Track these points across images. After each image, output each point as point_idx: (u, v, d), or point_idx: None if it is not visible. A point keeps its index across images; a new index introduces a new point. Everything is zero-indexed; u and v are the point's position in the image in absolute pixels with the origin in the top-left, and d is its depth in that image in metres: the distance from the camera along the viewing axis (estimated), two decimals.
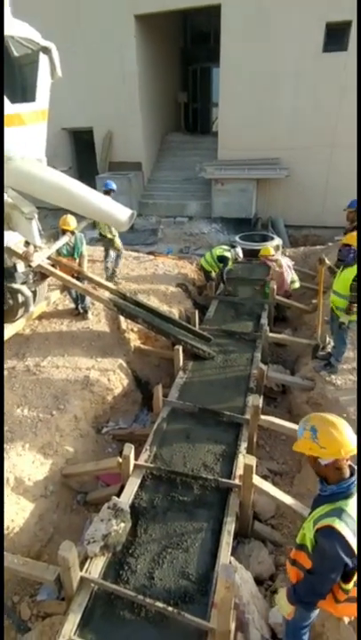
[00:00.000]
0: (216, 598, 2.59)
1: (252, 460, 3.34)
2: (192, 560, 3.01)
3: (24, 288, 5.25)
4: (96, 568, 2.90)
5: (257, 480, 3.44)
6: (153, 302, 6.55)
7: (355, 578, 1.98)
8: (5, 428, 4.10)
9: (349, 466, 2.03)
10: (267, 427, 4.35)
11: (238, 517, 3.41)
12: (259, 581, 3.18)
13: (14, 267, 5.18)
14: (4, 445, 3.89)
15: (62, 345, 5.49)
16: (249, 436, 4.18)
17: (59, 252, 5.69)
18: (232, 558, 3.05)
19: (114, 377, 5.19)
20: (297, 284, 7.42)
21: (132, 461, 3.68)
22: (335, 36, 10.53)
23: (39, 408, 4.43)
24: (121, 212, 4.37)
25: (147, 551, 3.07)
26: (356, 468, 2.06)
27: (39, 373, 4.92)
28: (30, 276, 5.49)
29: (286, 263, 7.52)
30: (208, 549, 3.08)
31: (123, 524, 3.11)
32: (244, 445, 4.03)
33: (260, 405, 4.19)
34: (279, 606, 2.30)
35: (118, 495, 3.49)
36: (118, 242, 7.17)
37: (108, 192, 7.03)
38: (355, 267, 4.45)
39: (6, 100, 4.05)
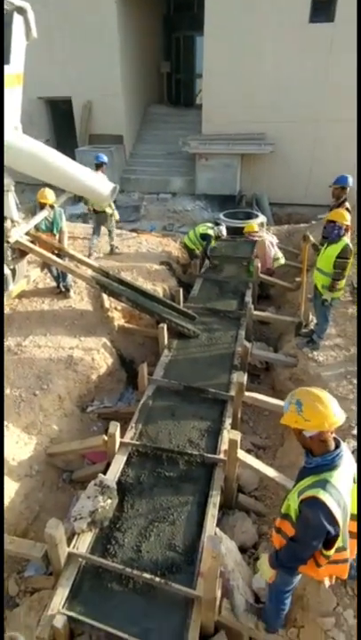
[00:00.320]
0: (202, 568, 2.66)
1: (237, 436, 3.39)
2: (178, 532, 3.08)
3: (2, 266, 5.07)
4: (83, 544, 2.93)
5: (241, 454, 3.50)
6: (137, 280, 6.45)
7: (336, 545, 2.05)
8: None
9: (334, 438, 2.07)
10: (251, 403, 4.41)
11: (223, 490, 3.48)
12: (243, 550, 3.29)
13: None
14: None
15: (44, 324, 5.37)
16: (233, 412, 4.23)
17: (37, 228, 5.48)
18: (217, 529, 3.12)
19: (98, 356, 5.13)
20: (282, 261, 7.41)
21: (118, 439, 3.68)
22: (321, 7, 10.20)
23: (22, 388, 4.36)
24: (103, 186, 4.22)
25: (134, 525, 3.12)
26: (341, 440, 2.10)
27: (21, 353, 4.82)
28: (9, 252, 5.28)
29: (270, 240, 7.48)
30: (194, 521, 3.15)
31: (109, 501, 3.13)
32: (228, 421, 4.08)
33: (245, 382, 4.23)
34: (261, 571, 2.39)
35: (104, 473, 3.50)
36: (117, 215, 7.26)
37: (99, 165, 6.83)
38: (339, 244, 4.46)
39: None
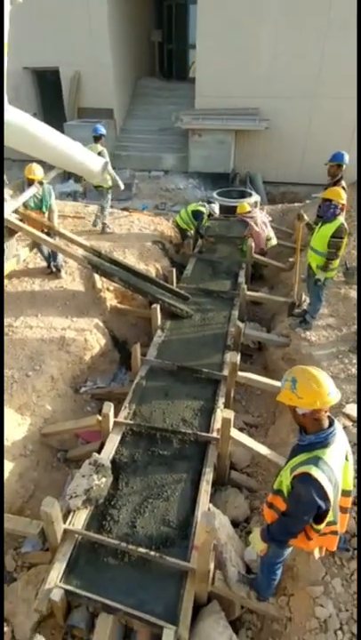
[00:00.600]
0: (197, 542, 2.73)
1: (230, 414, 3.42)
2: (172, 508, 3.14)
3: None
4: (79, 520, 2.98)
5: (234, 433, 3.56)
6: (129, 260, 6.36)
7: (327, 519, 2.11)
8: None
9: (328, 417, 2.10)
10: (243, 382, 4.44)
11: (216, 467, 3.55)
12: (235, 524, 3.38)
13: None
14: None
15: (35, 305, 5.29)
16: (226, 392, 4.27)
17: (25, 206, 5.31)
18: (210, 505, 3.20)
19: (90, 337, 5.10)
20: (274, 241, 7.35)
21: (112, 419, 3.70)
22: None
23: (14, 369, 4.33)
24: (94, 162, 4.08)
25: (128, 502, 3.17)
26: (334, 419, 2.13)
27: (12, 334, 4.76)
28: None
29: (262, 219, 7.39)
30: (188, 497, 3.21)
31: (104, 479, 3.17)
32: (221, 401, 4.12)
33: (238, 362, 4.25)
34: (253, 544, 2.45)
35: (99, 452, 3.53)
36: (121, 184, 7.20)
37: (98, 138, 6.69)
38: (334, 223, 4.41)
39: None
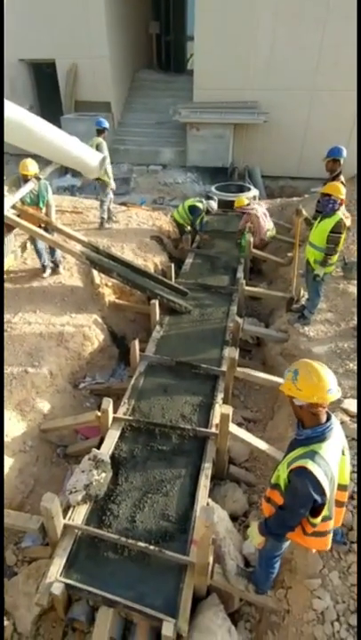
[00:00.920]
0: (196, 536, 2.75)
1: (229, 410, 3.44)
2: (172, 503, 3.16)
3: None
4: (79, 515, 3.00)
5: (233, 428, 3.57)
6: (127, 255, 6.34)
7: (323, 513, 2.13)
8: None
9: (326, 412, 2.11)
10: (242, 378, 4.46)
11: (215, 462, 3.57)
12: (234, 518, 3.41)
13: None
14: None
15: (33, 301, 5.28)
16: (225, 387, 4.29)
17: (22, 201, 5.27)
18: (209, 499, 3.22)
19: (89, 332, 5.10)
20: (273, 232, 7.34)
21: (111, 415, 3.72)
22: None
23: (13, 365, 4.33)
24: (92, 157, 4.04)
25: (128, 497, 3.19)
26: (331, 414, 2.14)
27: (10, 330, 4.76)
28: None
29: (262, 211, 7.37)
30: (187, 492, 3.24)
31: (104, 474, 3.19)
32: (220, 396, 4.14)
33: (236, 358, 4.26)
34: (251, 538, 2.48)
35: (98, 447, 3.55)
36: (113, 184, 7.09)
37: (101, 131, 6.67)
38: (332, 218, 4.40)
39: None
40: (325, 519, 2.15)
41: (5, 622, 2.80)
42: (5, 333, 4.70)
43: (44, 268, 5.71)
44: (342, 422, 3.44)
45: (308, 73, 10.55)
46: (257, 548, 2.56)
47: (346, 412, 3.60)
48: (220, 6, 10.48)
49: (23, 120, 3.68)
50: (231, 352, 4.29)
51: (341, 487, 2.20)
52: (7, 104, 3.41)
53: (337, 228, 4.38)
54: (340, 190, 4.43)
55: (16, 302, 5.22)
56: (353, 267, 5.77)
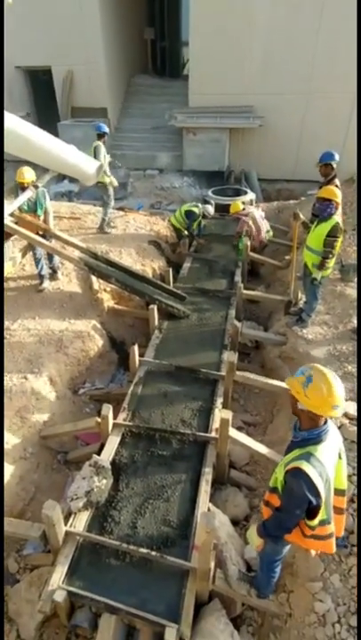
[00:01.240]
0: (197, 542, 2.76)
1: (228, 414, 3.45)
2: (173, 508, 3.17)
3: None
4: (80, 522, 3.01)
5: (233, 432, 3.59)
6: (125, 261, 6.37)
7: (320, 516, 2.14)
8: None
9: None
10: (241, 381, 4.48)
11: (215, 467, 3.58)
12: (235, 522, 3.42)
13: None
14: None
15: (32, 307, 5.30)
16: (224, 391, 4.30)
17: (20, 209, 5.31)
18: (210, 504, 3.23)
19: (88, 338, 5.12)
20: (270, 233, 7.41)
21: (111, 421, 3.73)
22: None
23: (12, 372, 4.34)
24: (89, 165, 4.08)
25: (129, 503, 3.20)
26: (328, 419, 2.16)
27: (10, 337, 4.77)
28: None
29: (259, 214, 7.42)
30: (188, 498, 3.25)
31: (104, 481, 3.20)
32: (219, 400, 4.15)
33: (235, 362, 4.28)
34: (250, 540, 2.49)
35: (98, 453, 3.56)
36: (115, 181, 7.16)
37: (101, 135, 6.76)
38: (329, 222, 4.43)
39: None
40: (323, 523, 2.16)
41: (8, 628, 2.80)
42: (5, 341, 4.71)
43: (41, 278, 5.64)
44: (342, 425, 3.47)
45: (303, 77, 10.65)
46: (257, 550, 2.57)
47: (345, 414, 3.62)
48: (214, 12, 10.58)
49: (18, 129, 3.71)
50: (230, 356, 4.31)
51: (339, 492, 2.21)
52: (6, 115, 3.45)
53: (334, 232, 4.41)
54: (336, 194, 4.47)
55: (15, 309, 5.24)
56: (350, 269, 5.80)
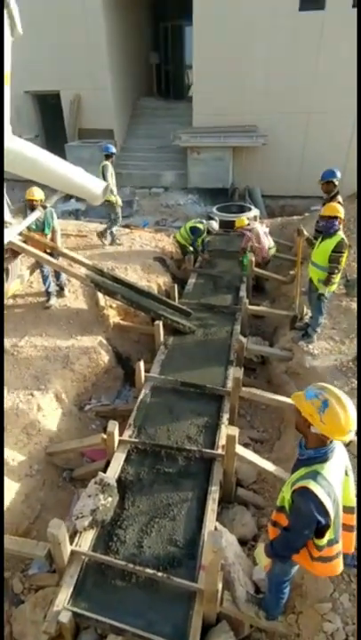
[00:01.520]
0: (204, 562, 2.72)
1: (235, 431, 3.43)
2: (179, 527, 3.13)
3: None
4: (86, 541, 2.98)
5: (239, 449, 3.55)
6: (131, 277, 6.45)
7: (328, 536, 2.10)
8: None
9: None
10: (248, 397, 4.46)
11: (222, 485, 3.54)
12: (243, 542, 3.35)
13: None
14: None
15: (39, 324, 5.37)
16: (231, 408, 4.28)
17: (28, 228, 5.44)
18: (217, 523, 3.19)
19: (94, 354, 5.15)
20: (274, 249, 7.48)
21: (117, 437, 3.72)
22: None
23: (19, 389, 4.37)
24: (95, 185, 4.20)
25: (135, 522, 3.17)
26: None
27: (17, 354, 4.82)
28: None
29: (263, 230, 7.50)
30: (194, 516, 3.21)
31: (110, 499, 3.17)
32: (226, 416, 4.13)
33: (241, 377, 4.27)
34: (257, 560, 2.45)
35: (104, 470, 3.55)
36: (120, 200, 7.51)
37: (109, 156, 7.01)
38: (334, 238, 4.48)
39: None
40: (331, 543, 2.12)
41: None
42: (12, 357, 4.76)
43: (48, 295, 5.73)
44: (350, 442, 3.42)
45: (304, 96, 10.91)
46: (264, 571, 2.53)
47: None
48: (216, 36, 10.95)
49: (26, 152, 3.85)
50: (236, 372, 4.30)
51: (348, 509, 2.18)
52: (15, 139, 3.59)
53: (339, 248, 4.45)
54: (339, 210, 4.53)
55: (22, 326, 5.30)
56: (355, 284, 5.82)
